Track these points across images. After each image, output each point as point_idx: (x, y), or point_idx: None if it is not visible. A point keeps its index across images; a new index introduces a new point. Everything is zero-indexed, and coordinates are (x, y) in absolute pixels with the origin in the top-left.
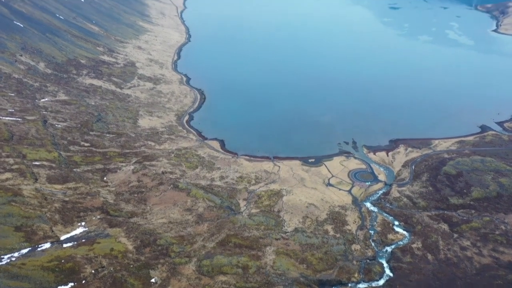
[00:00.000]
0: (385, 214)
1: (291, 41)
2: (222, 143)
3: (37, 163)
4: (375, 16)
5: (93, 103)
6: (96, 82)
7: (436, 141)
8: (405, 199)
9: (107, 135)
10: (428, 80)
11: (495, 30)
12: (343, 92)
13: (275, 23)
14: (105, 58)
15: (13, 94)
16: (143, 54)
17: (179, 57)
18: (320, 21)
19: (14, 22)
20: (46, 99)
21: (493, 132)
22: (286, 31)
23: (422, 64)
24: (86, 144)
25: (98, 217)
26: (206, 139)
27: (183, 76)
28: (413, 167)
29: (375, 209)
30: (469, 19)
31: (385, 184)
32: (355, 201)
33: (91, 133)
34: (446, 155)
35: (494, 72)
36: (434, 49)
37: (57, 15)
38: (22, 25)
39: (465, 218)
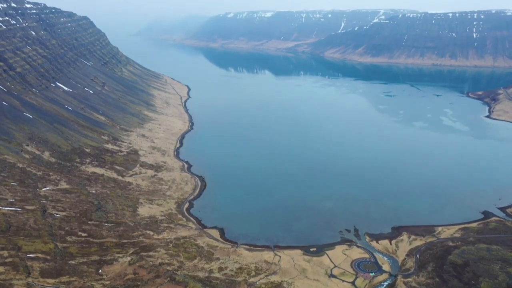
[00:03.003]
0: None
1: (289, 127)
2: (222, 232)
3: (32, 255)
4: (370, 103)
5: (94, 192)
6: (99, 170)
7: (440, 228)
8: None
9: (106, 224)
10: (426, 165)
11: (488, 116)
12: (343, 178)
13: (274, 110)
14: (109, 146)
15: (15, 184)
16: (146, 142)
17: (181, 144)
18: (317, 107)
19: (24, 113)
20: (48, 188)
21: (496, 218)
22: (284, 118)
23: (419, 150)
24: (83, 235)
25: None
26: (205, 227)
27: (184, 163)
28: (418, 256)
29: None
30: (462, 106)
31: (390, 274)
32: None
33: (89, 222)
34: (450, 243)
35: (490, 157)
36: (430, 135)
37: (66, 106)
38: (31, 116)
39: None
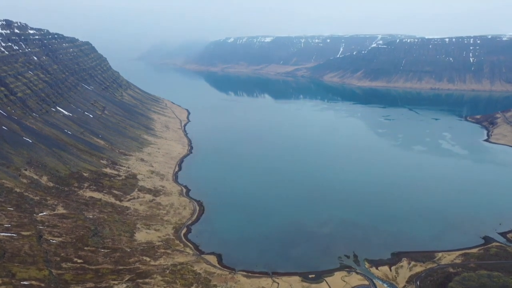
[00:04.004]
0: None
1: (288, 151)
2: (220, 258)
3: (25, 282)
4: (369, 127)
5: (91, 216)
6: (97, 194)
7: (440, 254)
8: None
9: (102, 250)
10: (425, 190)
11: (486, 140)
12: (341, 203)
13: (273, 134)
14: (108, 170)
15: (12, 209)
16: (145, 166)
17: (180, 168)
18: (316, 131)
19: (24, 138)
20: (44, 213)
21: (497, 244)
22: (283, 142)
23: (418, 174)
24: (79, 261)
25: None
26: (203, 253)
27: (183, 188)
28: (418, 283)
29: None
30: (461, 130)
31: None
32: None
33: (85, 248)
34: (451, 269)
35: (490, 182)
36: (429, 159)
37: (66, 131)
38: (30, 141)
39: None
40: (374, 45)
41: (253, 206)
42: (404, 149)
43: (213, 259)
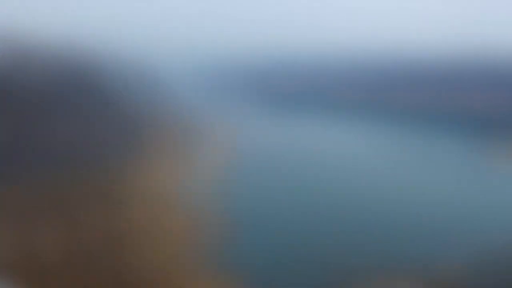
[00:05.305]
0: None
1: (285, 173)
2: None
3: None
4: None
5: None
6: None
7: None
8: None
9: None
10: (423, 207)
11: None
12: (339, 223)
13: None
14: None
15: None
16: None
17: None
18: (314, 152)
19: None
20: None
21: (496, 263)
22: (280, 164)
23: (416, 190)
24: None
25: None
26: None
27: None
28: None
29: None
30: (458, 144)
31: None
32: None
33: None
34: None
35: (488, 198)
36: (427, 173)
37: None
38: None
39: None
40: None
41: (250, 226)
42: (402, 166)
43: None
